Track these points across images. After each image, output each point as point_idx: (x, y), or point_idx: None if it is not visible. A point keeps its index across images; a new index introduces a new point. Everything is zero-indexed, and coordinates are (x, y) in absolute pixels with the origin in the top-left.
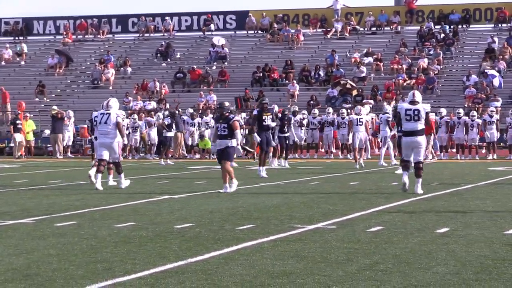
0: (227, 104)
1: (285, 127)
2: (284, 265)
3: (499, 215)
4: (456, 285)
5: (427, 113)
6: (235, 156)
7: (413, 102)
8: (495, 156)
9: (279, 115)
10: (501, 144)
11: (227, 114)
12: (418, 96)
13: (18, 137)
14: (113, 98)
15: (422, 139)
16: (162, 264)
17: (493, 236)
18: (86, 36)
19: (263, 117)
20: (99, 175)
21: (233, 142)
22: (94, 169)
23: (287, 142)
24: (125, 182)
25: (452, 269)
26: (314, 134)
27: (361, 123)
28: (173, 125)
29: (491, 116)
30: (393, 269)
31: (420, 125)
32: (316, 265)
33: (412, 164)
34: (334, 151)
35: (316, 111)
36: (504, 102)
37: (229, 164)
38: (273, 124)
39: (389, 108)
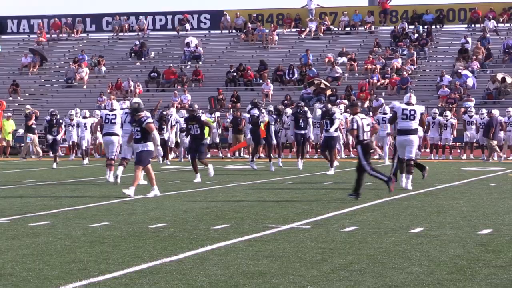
0: (141, 105)
1: (300, 121)
2: (259, 265)
3: (472, 215)
4: (431, 285)
5: (421, 114)
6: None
7: (409, 103)
8: (471, 156)
9: (286, 110)
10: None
11: (140, 116)
12: (414, 99)
13: (32, 137)
14: (136, 97)
15: (414, 137)
16: (137, 264)
17: (467, 236)
18: (60, 35)
19: (189, 126)
20: (121, 168)
21: (149, 146)
22: (121, 168)
23: (302, 140)
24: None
25: (426, 269)
26: (287, 133)
27: None
28: (164, 127)
29: (470, 116)
30: (367, 269)
31: (415, 125)
32: (290, 265)
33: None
34: (309, 150)
35: (289, 110)
36: (477, 103)
37: (140, 170)
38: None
39: (387, 109)
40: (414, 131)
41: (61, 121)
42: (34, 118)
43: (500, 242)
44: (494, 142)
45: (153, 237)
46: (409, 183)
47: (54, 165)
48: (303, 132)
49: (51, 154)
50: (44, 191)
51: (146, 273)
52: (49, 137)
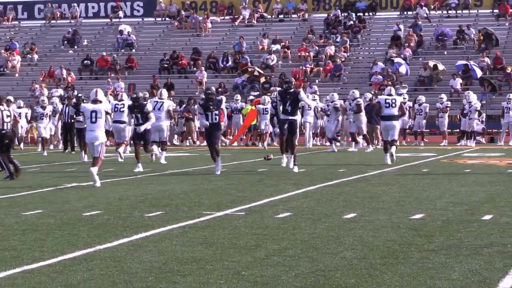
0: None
1: (287, 104)
2: (193, 252)
3: (405, 200)
4: (364, 270)
5: (401, 102)
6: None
7: (389, 95)
8: (404, 142)
9: (274, 92)
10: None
11: None
12: (393, 91)
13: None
14: (164, 89)
15: (396, 123)
16: (71, 252)
17: (400, 221)
18: None
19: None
20: (164, 152)
21: None
22: (122, 147)
23: (290, 129)
24: (163, 160)
25: (359, 254)
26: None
27: (266, 112)
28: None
29: (419, 105)
30: (301, 254)
31: (396, 111)
32: (225, 251)
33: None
34: (244, 137)
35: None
36: (410, 89)
37: None
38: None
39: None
40: (396, 117)
41: None
42: None
43: (432, 227)
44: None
45: (87, 225)
46: (393, 151)
47: None
48: (290, 118)
49: None
50: None
51: (80, 260)
52: None
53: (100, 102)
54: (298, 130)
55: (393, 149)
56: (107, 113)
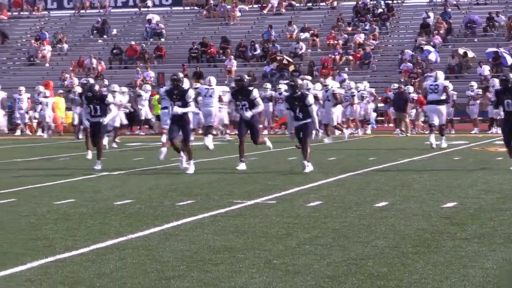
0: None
1: (297, 110)
2: (225, 240)
3: (436, 188)
4: (396, 258)
5: (446, 87)
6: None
7: (435, 79)
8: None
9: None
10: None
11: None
12: (439, 75)
13: None
14: (212, 76)
15: (442, 108)
16: (103, 241)
17: (431, 210)
18: (22, 13)
19: None
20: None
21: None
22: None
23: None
24: (211, 144)
25: (391, 243)
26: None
27: None
28: None
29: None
30: (332, 243)
31: (438, 96)
32: (256, 240)
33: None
34: (273, 126)
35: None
36: None
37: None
38: None
39: (318, 86)
40: (440, 102)
41: None
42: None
43: (464, 215)
44: (407, 116)
45: (119, 214)
46: (443, 143)
47: None
48: (302, 122)
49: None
50: (6, 169)
51: (113, 249)
52: None
53: None
54: (311, 131)
55: (443, 140)
56: None
